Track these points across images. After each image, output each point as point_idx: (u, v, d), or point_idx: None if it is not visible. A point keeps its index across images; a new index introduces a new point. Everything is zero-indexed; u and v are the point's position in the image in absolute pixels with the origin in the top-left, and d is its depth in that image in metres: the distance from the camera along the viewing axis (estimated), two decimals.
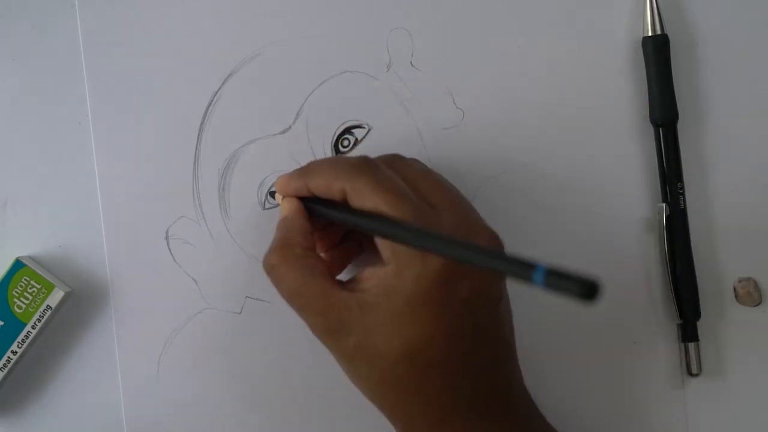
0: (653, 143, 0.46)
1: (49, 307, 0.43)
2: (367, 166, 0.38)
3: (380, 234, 0.36)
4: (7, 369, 0.43)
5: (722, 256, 0.47)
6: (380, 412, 0.39)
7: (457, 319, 0.36)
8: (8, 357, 0.43)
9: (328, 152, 0.45)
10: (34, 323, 0.43)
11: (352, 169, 0.37)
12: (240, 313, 0.45)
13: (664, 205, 0.46)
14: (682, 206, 0.46)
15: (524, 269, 0.29)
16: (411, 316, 0.35)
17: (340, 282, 0.38)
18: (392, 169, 0.39)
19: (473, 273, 0.36)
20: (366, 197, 0.36)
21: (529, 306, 0.43)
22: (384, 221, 0.36)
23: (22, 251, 0.44)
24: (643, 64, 0.46)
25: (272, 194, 0.44)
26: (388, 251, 0.36)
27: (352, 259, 0.43)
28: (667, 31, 0.46)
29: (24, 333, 0.43)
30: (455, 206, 0.38)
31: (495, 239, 0.38)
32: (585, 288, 0.27)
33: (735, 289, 0.47)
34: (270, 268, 0.38)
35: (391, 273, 0.36)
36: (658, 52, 0.46)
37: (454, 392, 0.37)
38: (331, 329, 0.37)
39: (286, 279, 0.38)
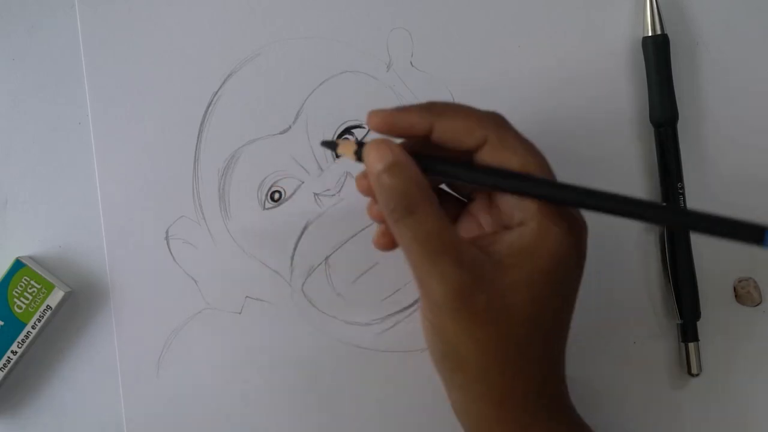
0: (653, 143, 0.46)
1: (49, 307, 0.43)
2: (507, 120, 0.36)
3: (527, 193, 0.35)
4: (7, 369, 0.43)
5: (722, 256, 0.47)
6: (454, 384, 0.37)
7: (575, 285, 0.36)
8: (8, 357, 0.43)
9: (328, 152, 0.45)
10: (34, 323, 0.43)
11: (499, 119, 0.36)
12: (240, 313, 0.45)
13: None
14: (682, 206, 0.46)
15: (755, 231, 0.31)
16: (544, 281, 0.34)
17: None
18: None
19: (585, 243, 0.36)
20: (515, 150, 0.35)
21: None
22: (532, 180, 0.35)
23: (22, 251, 0.44)
24: (643, 64, 0.46)
25: (328, 144, 0.38)
26: (525, 212, 0.35)
27: None
28: (667, 31, 0.46)
29: (24, 333, 0.43)
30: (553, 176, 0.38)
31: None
32: None
33: (735, 289, 0.47)
34: (404, 213, 0.34)
35: (532, 234, 0.34)
36: (658, 52, 0.46)
37: (557, 361, 0.37)
38: (464, 284, 0.33)
39: (426, 225, 0.34)
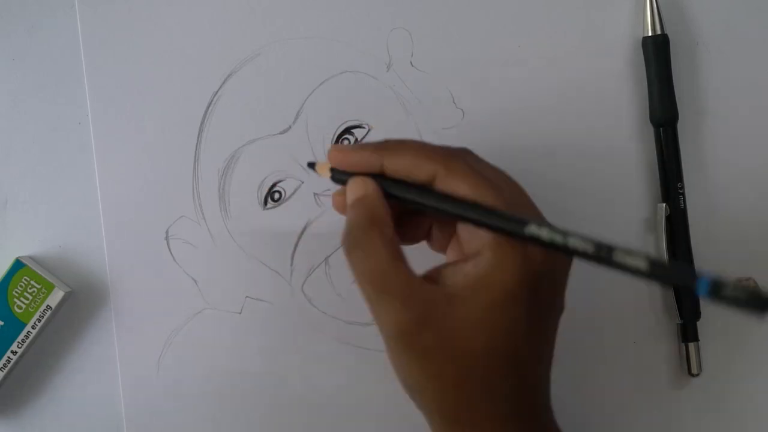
0: (653, 143, 0.46)
1: (49, 307, 0.43)
2: (461, 150, 0.36)
3: (479, 222, 0.34)
4: (7, 369, 0.43)
5: (722, 256, 0.47)
6: (427, 415, 0.36)
7: (541, 317, 0.35)
8: (8, 357, 0.43)
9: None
10: (34, 323, 0.43)
11: (446, 152, 0.36)
12: (240, 313, 0.45)
13: (664, 205, 0.46)
14: (682, 206, 0.46)
15: (688, 278, 0.30)
16: (502, 311, 0.33)
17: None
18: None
19: (562, 273, 0.35)
20: (463, 180, 0.34)
21: None
22: (482, 209, 0.34)
23: (22, 251, 0.44)
24: (643, 64, 0.46)
25: (311, 165, 0.40)
26: (480, 241, 0.34)
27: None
28: (667, 31, 0.46)
29: (24, 333, 0.43)
30: (530, 209, 0.37)
31: None
32: (759, 301, 0.28)
33: None
34: (352, 246, 0.35)
35: (486, 264, 0.34)
36: (658, 52, 0.46)
37: (520, 393, 0.35)
38: (410, 322, 0.33)
39: (371, 260, 0.34)
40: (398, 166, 0.36)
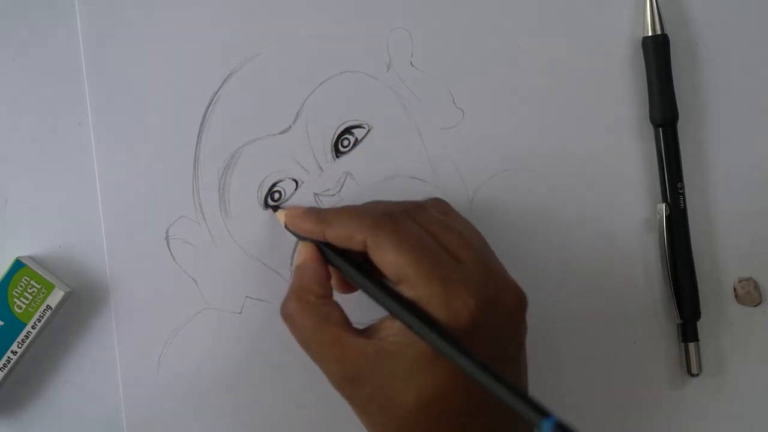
0: (653, 143, 0.46)
1: (49, 307, 0.43)
2: (390, 218, 0.37)
3: (394, 315, 0.36)
4: (7, 369, 0.43)
5: (722, 256, 0.47)
6: None
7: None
8: (8, 357, 0.43)
9: (328, 152, 0.45)
10: (34, 323, 0.43)
11: (374, 222, 0.37)
12: (240, 313, 0.45)
13: (664, 205, 0.46)
14: (682, 206, 0.46)
15: (536, 413, 0.31)
16: (430, 367, 0.35)
17: (357, 329, 0.37)
18: (417, 222, 0.38)
19: (495, 329, 0.36)
20: (388, 251, 0.35)
21: (528, 306, 0.43)
22: (401, 304, 0.35)
23: (22, 251, 0.44)
24: (643, 64, 0.46)
25: (274, 208, 0.44)
26: (407, 292, 0.36)
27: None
28: (667, 31, 0.46)
29: (24, 333, 0.43)
30: (480, 260, 0.37)
31: (521, 298, 0.37)
32: None
33: (735, 289, 0.47)
34: (286, 316, 0.39)
35: None
36: (658, 52, 0.46)
37: None
38: (346, 378, 0.36)
39: (301, 327, 0.38)
40: (335, 236, 0.38)
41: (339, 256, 0.39)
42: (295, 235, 0.42)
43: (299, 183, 0.45)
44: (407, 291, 0.35)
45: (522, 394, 0.32)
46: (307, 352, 0.38)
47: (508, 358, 0.37)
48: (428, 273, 0.35)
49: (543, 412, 0.31)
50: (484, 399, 0.35)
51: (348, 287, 0.41)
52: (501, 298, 0.36)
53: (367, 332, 0.37)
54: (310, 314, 0.37)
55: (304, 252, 0.40)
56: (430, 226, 0.38)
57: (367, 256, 0.37)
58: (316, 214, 0.40)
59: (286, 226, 0.42)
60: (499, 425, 0.36)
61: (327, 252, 0.39)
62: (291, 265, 0.45)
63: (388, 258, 0.36)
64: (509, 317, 0.37)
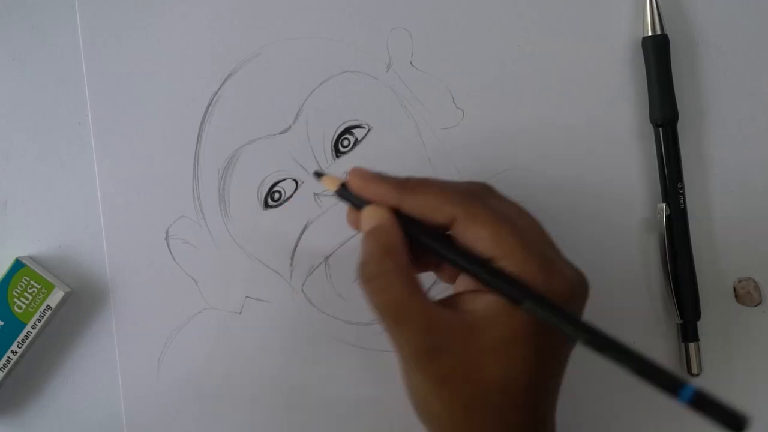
0: (653, 143, 0.46)
1: (49, 307, 0.43)
2: (481, 189, 0.36)
3: (495, 289, 0.34)
4: (7, 369, 0.43)
5: (722, 256, 0.47)
6: None
7: (556, 351, 0.36)
8: (8, 357, 0.43)
9: (328, 152, 0.45)
10: (34, 323, 0.43)
11: (465, 196, 0.35)
12: (240, 313, 0.45)
13: (664, 205, 0.46)
14: (682, 206, 0.46)
15: (672, 384, 0.31)
16: (522, 344, 0.34)
17: (437, 301, 0.36)
18: (494, 201, 0.37)
19: (579, 308, 0.36)
20: (487, 224, 0.34)
21: None
22: (489, 272, 0.34)
23: (22, 251, 0.44)
24: (643, 64, 0.46)
25: (318, 175, 0.39)
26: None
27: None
28: (667, 31, 0.46)
29: (24, 333, 0.43)
30: (548, 247, 0.36)
31: (588, 285, 0.37)
32: (734, 420, 0.31)
33: (735, 289, 0.47)
34: (368, 278, 0.35)
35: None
36: (658, 52, 0.46)
37: (531, 425, 0.36)
38: (429, 349, 0.34)
39: (388, 292, 0.35)
40: (418, 207, 0.36)
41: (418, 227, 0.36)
42: (350, 201, 0.38)
43: (299, 183, 0.45)
44: (508, 266, 0.34)
45: (658, 366, 0.32)
46: (387, 318, 0.35)
47: (569, 346, 0.37)
48: (528, 249, 0.34)
49: (680, 382, 0.31)
50: (557, 381, 0.36)
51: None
52: (579, 281, 0.36)
53: (448, 304, 0.36)
54: (399, 278, 0.35)
55: (379, 215, 0.36)
56: (505, 208, 0.37)
57: (441, 231, 0.36)
58: (395, 179, 0.37)
59: (340, 191, 0.38)
60: (549, 414, 0.37)
61: (408, 221, 0.36)
62: (291, 264, 0.45)
63: (485, 231, 0.34)
64: (581, 301, 0.37)
